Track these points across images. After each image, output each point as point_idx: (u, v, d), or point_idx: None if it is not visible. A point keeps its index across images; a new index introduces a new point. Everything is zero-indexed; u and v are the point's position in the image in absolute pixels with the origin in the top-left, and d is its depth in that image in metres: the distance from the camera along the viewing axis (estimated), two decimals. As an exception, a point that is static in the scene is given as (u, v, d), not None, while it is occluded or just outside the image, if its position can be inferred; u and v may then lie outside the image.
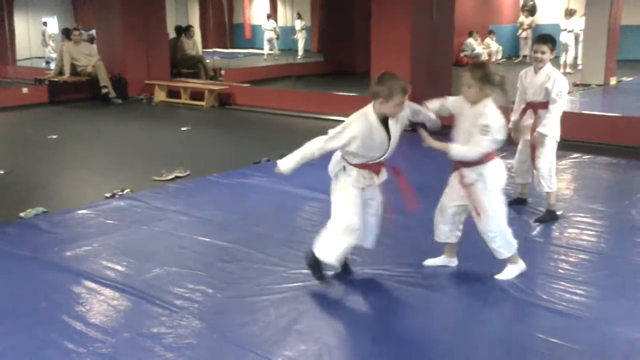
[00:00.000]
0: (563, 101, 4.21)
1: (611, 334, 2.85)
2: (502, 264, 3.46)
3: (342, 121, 3.22)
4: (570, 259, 3.72)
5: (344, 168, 3.28)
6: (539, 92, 4.25)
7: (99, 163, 6.50)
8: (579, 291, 3.28)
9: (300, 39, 16.27)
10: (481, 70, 3.24)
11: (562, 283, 3.39)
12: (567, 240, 4.01)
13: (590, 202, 4.81)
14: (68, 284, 3.48)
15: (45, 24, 17.40)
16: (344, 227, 3.26)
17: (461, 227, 3.53)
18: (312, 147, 3.20)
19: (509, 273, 3.45)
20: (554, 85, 4.16)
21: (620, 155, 6.22)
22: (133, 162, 6.48)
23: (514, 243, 3.43)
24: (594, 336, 2.84)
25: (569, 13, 12.45)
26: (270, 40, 16.68)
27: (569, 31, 12.32)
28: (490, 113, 3.18)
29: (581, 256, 3.77)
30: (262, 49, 16.80)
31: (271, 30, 16.68)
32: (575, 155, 6.20)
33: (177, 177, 5.70)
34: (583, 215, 4.46)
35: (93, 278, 3.54)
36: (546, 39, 4.27)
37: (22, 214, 4.66)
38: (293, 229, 4.30)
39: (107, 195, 5.13)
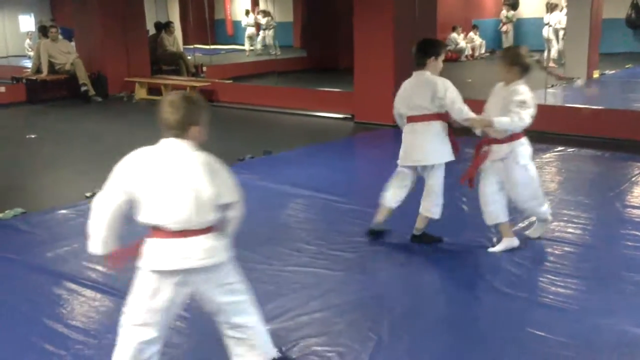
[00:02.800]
0: None
1: (598, 326, 2.85)
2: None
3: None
4: (556, 252, 3.72)
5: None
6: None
7: (79, 162, 6.39)
8: (565, 284, 3.28)
9: (268, 37, 15.90)
10: (511, 53, 3.66)
11: (548, 276, 3.39)
12: (552, 232, 4.01)
13: (575, 194, 4.82)
14: (48, 286, 3.42)
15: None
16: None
17: None
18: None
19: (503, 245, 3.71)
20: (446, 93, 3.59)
21: (604, 148, 6.25)
22: (114, 160, 6.32)
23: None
24: (580, 328, 2.84)
25: (550, 8, 12.50)
26: (250, 37, 16.55)
27: (550, 26, 12.37)
28: (523, 90, 3.50)
29: (567, 249, 3.77)
30: (244, 45, 16.67)
31: (251, 26, 16.54)
32: (560, 148, 6.22)
33: (159, 175, 5.61)
34: (568, 208, 4.47)
35: (74, 279, 3.47)
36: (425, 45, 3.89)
37: (0, 215, 4.56)
38: (277, 226, 4.26)
39: (88, 194, 5.04)
